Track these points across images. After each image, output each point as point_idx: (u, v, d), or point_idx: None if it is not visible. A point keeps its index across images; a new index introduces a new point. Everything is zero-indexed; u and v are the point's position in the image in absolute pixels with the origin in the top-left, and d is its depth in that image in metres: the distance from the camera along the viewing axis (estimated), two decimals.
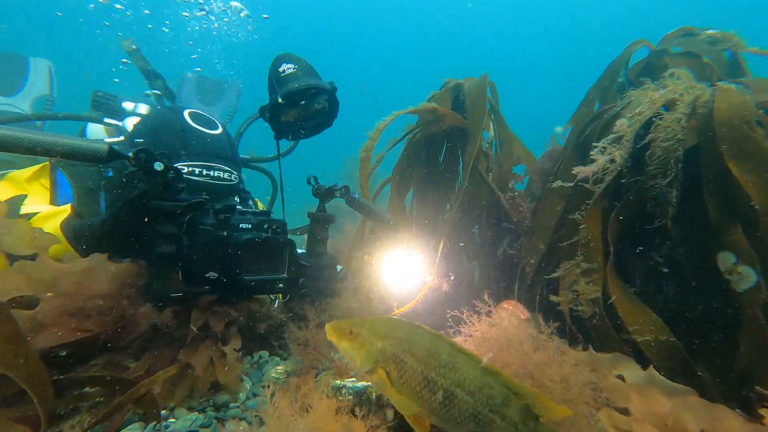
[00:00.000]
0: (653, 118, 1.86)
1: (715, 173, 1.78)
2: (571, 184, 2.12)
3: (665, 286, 2.02)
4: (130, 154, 1.79)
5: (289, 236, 2.08)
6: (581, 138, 2.35)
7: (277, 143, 2.34)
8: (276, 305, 2.23)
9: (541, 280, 2.32)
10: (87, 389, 1.42)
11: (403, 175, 3.12)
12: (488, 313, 1.47)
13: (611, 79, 2.97)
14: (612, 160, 1.88)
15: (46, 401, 0.82)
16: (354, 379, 1.39)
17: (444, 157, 3.18)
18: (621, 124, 1.93)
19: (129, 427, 1.43)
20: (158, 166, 1.80)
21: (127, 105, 3.04)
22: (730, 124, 1.68)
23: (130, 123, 2.87)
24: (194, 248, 1.84)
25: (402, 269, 2.27)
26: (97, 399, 1.42)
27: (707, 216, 1.80)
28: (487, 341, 1.34)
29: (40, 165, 2.44)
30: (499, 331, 1.34)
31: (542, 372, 1.19)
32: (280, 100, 2.17)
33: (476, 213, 2.94)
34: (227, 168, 2.25)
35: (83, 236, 1.95)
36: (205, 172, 2.15)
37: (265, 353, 2.07)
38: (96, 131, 3.00)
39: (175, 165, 2.03)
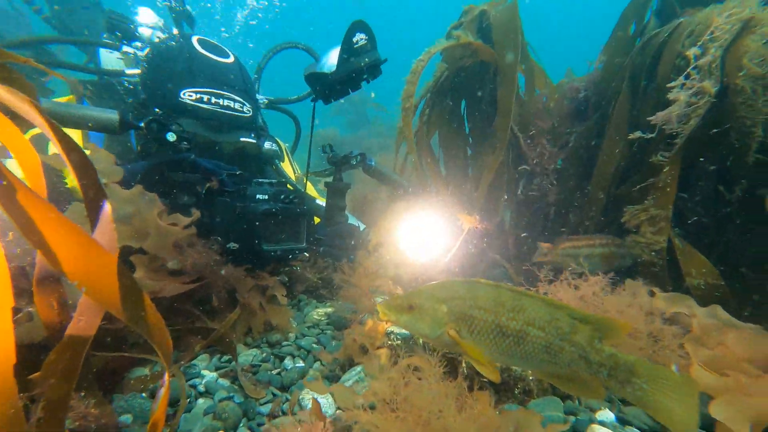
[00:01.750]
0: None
1: None
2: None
3: (719, 233, 1.98)
4: (143, 124, 1.77)
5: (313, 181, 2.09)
6: (629, 72, 2.18)
7: (314, 107, 2.21)
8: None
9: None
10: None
11: (431, 116, 3.02)
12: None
13: None
14: (698, 93, 1.71)
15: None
16: None
17: (472, 95, 3.04)
18: (699, 51, 1.73)
19: (199, 357, 1.67)
20: (171, 137, 1.79)
21: (144, 32, 2.78)
22: None
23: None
24: (214, 220, 1.87)
25: (427, 236, 2.28)
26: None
27: None
28: None
29: (66, 98, 2.41)
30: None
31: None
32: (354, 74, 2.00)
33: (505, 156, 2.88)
34: (239, 98, 2.16)
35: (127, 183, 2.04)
36: (214, 100, 2.06)
37: (303, 296, 2.25)
38: (111, 59, 2.79)
39: (182, 91, 2.02)
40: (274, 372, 1.56)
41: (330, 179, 2.40)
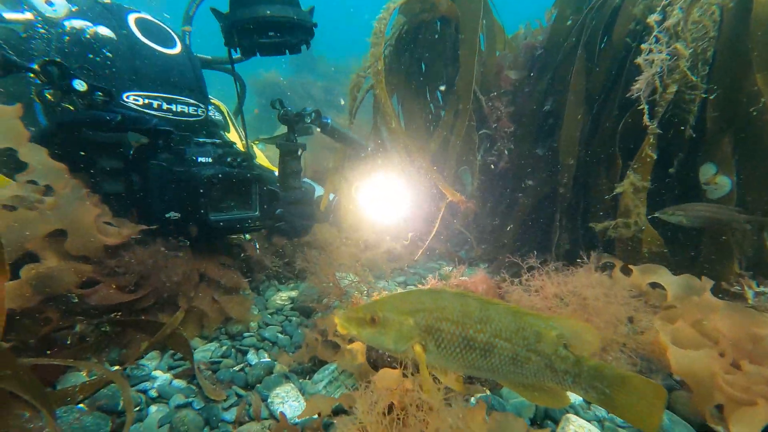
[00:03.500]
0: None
1: (732, 79, 1.67)
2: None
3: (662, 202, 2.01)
4: (36, 66, 1.40)
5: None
6: (586, 36, 2.09)
7: (229, 51, 1.88)
8: (258, 247, 2.09)
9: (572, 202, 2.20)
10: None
11: (389, 74, 2.78)
12: None
13: None
14: (672, 56, 1.63)
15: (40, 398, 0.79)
16: None
17: (432, 52, 2.82)
18: (659, 17, 1.65)
19: (147, 356, 1.48)
20: (79, 86, 1.43)
21: None
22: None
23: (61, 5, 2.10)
24: (147, 186, 1.59)
25: (387, 198, 2.15)
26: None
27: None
28: None
29: None
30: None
31: None
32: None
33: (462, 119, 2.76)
34: (192, 101, 1.83)
35: None
36: (165, 106, 1.72)
37: (263, 277, 2.07)
38: None
39: (126, 94, 1.67)
40: (237, 369, 1.42)
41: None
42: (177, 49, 1.83)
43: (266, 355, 1.49)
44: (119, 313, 1.46)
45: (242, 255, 1.92)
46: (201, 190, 1.56)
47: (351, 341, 1.27)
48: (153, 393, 1.29)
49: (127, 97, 1.67)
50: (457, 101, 2.56)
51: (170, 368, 1.43)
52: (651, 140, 1.76)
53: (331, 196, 2.45)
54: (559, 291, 1.39)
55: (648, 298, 1.50)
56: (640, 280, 1.54)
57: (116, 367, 1.38)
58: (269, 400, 1.20)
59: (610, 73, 2.06)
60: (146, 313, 1.57)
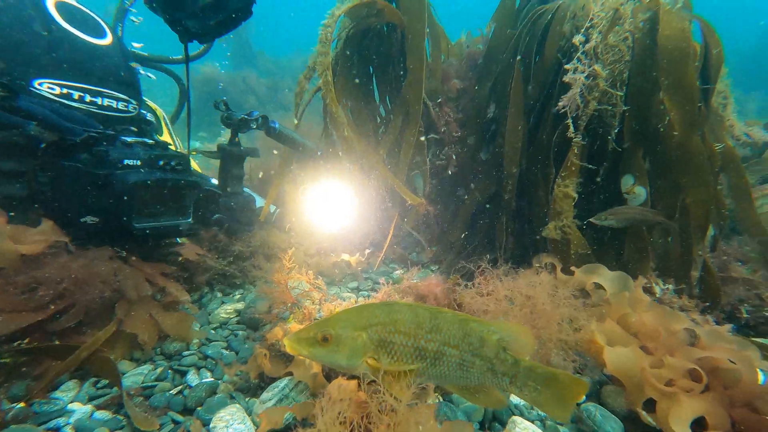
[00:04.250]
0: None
1: (642, 99, 1.86)
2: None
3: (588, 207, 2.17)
4: None
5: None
6: (523, 49, 2.22)
7: (185, 45, 1.76)
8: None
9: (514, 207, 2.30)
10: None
11: (337, 78, 2.73)
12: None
13: None
14: (591, 76, 1.77)
15: None
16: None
17: (380, 58, 2.82)
18: (583, 39, 1.79)
19: (62, 387, 1.29)
20: None
21: None
22: (671, 56, 1.70)
23: None
24: (60, 189, 1.45)
25: (334, 204, 2.11)
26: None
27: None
28: None
29: None
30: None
31: None
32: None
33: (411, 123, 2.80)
34: (122, 95, 1.68)
35: None
36: (89, 98, 1.57)
37: (205, 289, 1.91)
38: None
39: (37, 81, 1.47)
40: (174, 392, 1.29)
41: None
42: (107, 40, 1.66)
43: (209, 374, 1.37)
44: (27, 339, 1.26)
45: (180, 259, 1.76)
46: (125, 197, 1.42)
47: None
48: (68, 430, 1.13)
49: (40, 85, 1.48)
50: (407, 106, 2.58)
51: (92, 398, 1.26)
52: (575, 150, 1.90)
53: (272, 208, 2.34)
54: (508, 293, 1.44)
55: (591, 297, 1.62)
56: (584, 279, 1.65)
57: (19, 405, 1.18)
58: (211, 425, 1.10)
59: (545, 87, 2.20)
60: (68, 336, 1.37)
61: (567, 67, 1.84)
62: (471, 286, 1.54)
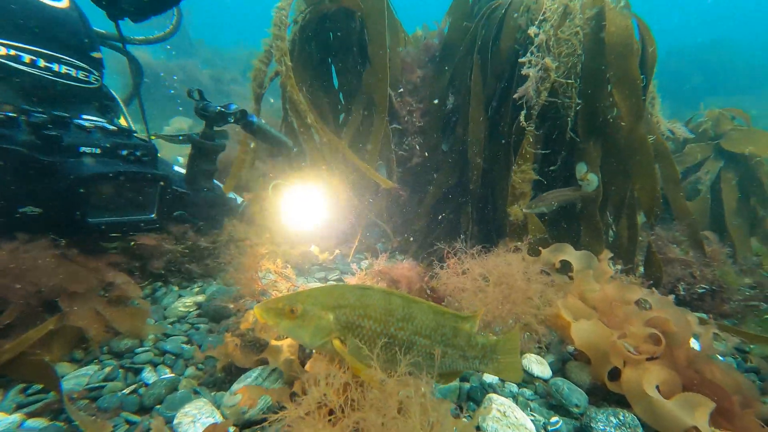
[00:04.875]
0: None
1: (593, 91, 1.97)
2: None
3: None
4: None
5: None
6: (480, 43, 2.27)
7: (116, 23, 1.59)
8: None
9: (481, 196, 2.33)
10: None
11: (295, 67, 2.62)
12: None
13: None
14: (543, 69, 1.83)
15: None
16: None
17: (338, 45, 2.76)
18: (537, 30, 1.85)
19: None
20: None
21: None
22: (617, 52, 1.81)
23: None
24: None
25: (307, 202, 2.02)
26: None
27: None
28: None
29: None
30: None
31: None
32: None
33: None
34: (83, 64, 1.50)
35: None
36: (42, 63, 1.38)
37: (158, 284, 1.74)
38: None
39: None
40: (127, 392, 1.15)
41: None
42: (63, 3, 1.49)
43: (168, 371, 1.24)
44: None
45: (132, 244, 1.59)
46: (80, 189, 1.28)
47: (279, 338, 1.13)
48: None
49: None
50: (370, 94, 2.54)
51: (19, 406, 1.09)
52: (530, 139, 1.97)
53: (239, 199, 2.20)
54: (483, 271, 1.45)
55: (557, 276, 1.68)
56: (552, 258, 1.71)
57: None
58: (175, 422, 0.99)
59: (502, 79, 2.27)
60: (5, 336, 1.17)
61: (521, 60, 1.91)
62: (446, 267, 1.54)
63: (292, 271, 1.54)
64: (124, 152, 1.43)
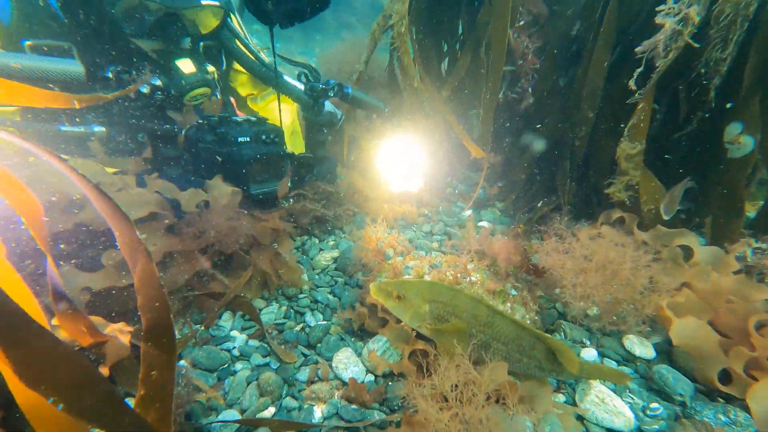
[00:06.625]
0: None
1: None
2: None
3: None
4: (110, 74, 1.64)
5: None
6: None
7: (271, 32, 1.75)
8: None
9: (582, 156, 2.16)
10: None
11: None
12: None
13: None
14: (683, 20, 1.48)
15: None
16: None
17: None
18: None
19: (224, 317, 1.67)
20: (144, 89, 1.66)
21: None
22: None
23: None
24: (198, 167, 1.79)
25: (403, 156, 2.15)
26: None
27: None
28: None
29: None
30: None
31: None
32: None
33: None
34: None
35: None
36: None
37: (306, 238, 2.16)
38: None
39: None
40: (298, 329, 1.59)
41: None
42: None
43: (321, 316, 1.67)
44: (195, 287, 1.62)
45: (287, 205, 2.05)
46: (243, 170, 1.72)
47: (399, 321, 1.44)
48: (236, 352, 1.48)
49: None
50: (477, 40, 2.31)
51: (243, 329, 1.60)
52: (642, 115, 1.66)
53: (339, 113, 2.47)
54: (586, 252, 1.48)
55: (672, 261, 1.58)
56: (668, 242, 1.62)
57: (200, 326, 1.57)
58: (333, 365, 1.39)
59: (636, 19, 1.82)
60: (215, 280, 1.71)
61: (659, 9, 1.50)
62: (543, 235, 1.61)
63: (405, 238, 1.79)
64: (263, 137, 1.79)
